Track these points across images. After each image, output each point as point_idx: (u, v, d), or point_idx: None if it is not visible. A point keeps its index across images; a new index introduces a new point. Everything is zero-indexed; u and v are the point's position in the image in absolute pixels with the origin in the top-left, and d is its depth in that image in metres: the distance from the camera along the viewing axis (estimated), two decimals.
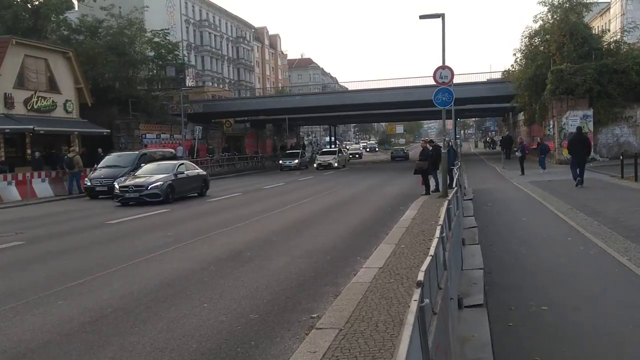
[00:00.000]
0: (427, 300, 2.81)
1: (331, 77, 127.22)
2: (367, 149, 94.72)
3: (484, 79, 45.46)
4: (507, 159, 33.41)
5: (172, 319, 6.10)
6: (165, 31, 43.78)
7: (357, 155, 68.70)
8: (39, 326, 5.98)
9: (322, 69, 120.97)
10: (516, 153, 26.03)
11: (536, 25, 34.75)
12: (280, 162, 45.40)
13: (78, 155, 25.26)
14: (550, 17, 33.45)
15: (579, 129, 20.28)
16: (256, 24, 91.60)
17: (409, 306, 2.53)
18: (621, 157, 20.33)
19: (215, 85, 68.34)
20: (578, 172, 18.10)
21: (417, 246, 8.89)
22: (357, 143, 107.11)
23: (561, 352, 4.93)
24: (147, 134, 40.54)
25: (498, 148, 51.37)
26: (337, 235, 11.21)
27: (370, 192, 21.59)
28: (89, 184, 22.17)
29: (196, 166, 23.28)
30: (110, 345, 5.39)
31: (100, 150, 29.11)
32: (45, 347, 5.39)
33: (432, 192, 17.63)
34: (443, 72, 16.75)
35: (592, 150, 22.68)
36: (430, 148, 18.88)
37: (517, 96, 36.04)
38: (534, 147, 31.90)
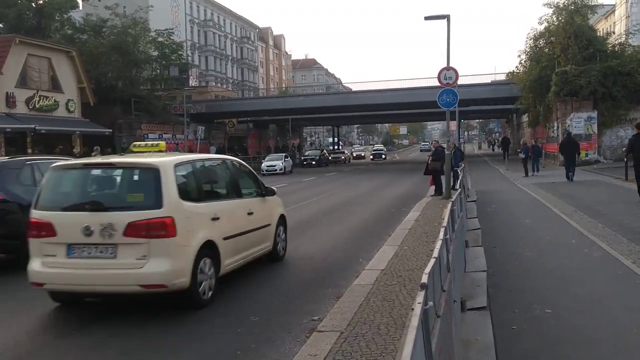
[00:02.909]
0: (430, 303, 2.76)
1: (335, 77, 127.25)
2: (371, 156, 65.06)
3: (489, 81, 45.44)
4: (507, 159, 33.48)
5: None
6: (170, 31, 43.81)
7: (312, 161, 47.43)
8: None
9: (326, 70, 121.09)
10: (520, 155, 26.13)
11: (541, 27, 34.74)
12: None
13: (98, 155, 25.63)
14: (555, 19, 33.36)
15: (569, 133, 24.58)
16: (261, 24, 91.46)
17: (413, 309, 2.49)
18: (625, 159, 20.23)
19: (219, 85, 68.40)
20: (570, 170, 20.99)
21: (419, 248, 8.84)
22: (361, 145, 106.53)
23: (565, 355, 4.88)
24: (149, 134, 40.61)
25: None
26: (339, 237, 11.15)
27: (373, 193, 21.51)
28: None
29: None
30: None
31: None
32: None
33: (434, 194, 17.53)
34: (447, 73, 16.69)
35: (580, 152, 23.84)
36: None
37: (521, 98, 35.95)
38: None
